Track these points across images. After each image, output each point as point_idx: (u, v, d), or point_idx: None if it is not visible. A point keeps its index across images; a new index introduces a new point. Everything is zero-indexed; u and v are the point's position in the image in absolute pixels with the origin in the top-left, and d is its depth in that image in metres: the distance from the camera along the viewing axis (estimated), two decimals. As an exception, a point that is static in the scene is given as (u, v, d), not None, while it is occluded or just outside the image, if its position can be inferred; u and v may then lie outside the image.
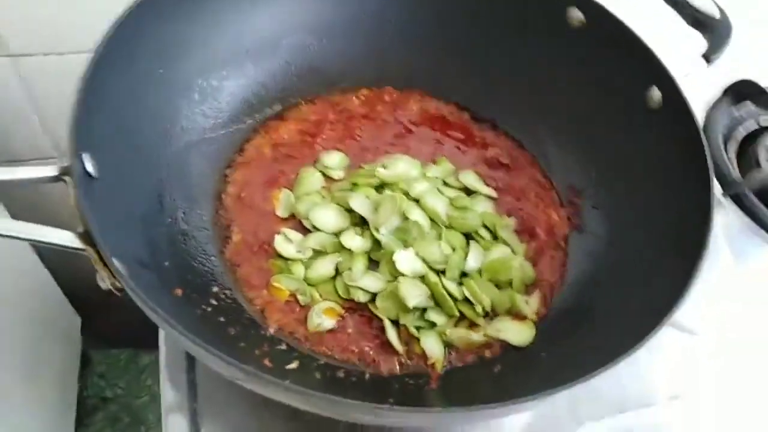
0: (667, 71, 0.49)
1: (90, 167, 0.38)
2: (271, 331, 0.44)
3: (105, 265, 0.35)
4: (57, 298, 0.99)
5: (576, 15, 0.54)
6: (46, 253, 0.92)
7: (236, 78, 0.55)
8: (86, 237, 0.35)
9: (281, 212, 0.51)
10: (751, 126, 0.66)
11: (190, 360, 0.48)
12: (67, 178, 0.37)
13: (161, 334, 0.49)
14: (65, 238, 0.35)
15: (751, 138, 0.65)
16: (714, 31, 0.52)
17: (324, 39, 0.59)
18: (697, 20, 0.53)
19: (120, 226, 0.40)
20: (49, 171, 0.37)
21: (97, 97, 0.40)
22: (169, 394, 0.47)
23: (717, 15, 0.54)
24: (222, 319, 0.43)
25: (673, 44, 0.52)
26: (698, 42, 0.53)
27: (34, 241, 0.35)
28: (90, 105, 0.39)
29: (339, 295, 0.47)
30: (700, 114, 0.60)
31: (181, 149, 0.50)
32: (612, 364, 0.34)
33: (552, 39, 0.55)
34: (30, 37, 0.68)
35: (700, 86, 0.57)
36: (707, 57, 0.51)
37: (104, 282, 0.36)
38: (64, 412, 0.99)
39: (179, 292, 0.42)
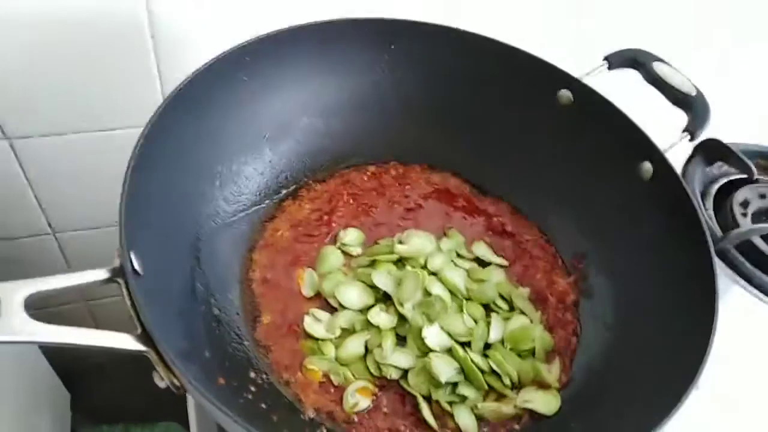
0: (657, 147, 0.53)
1: (136, 265, 0.39)
2: (310, 414, 0.45)
3: (165, 364, 0.35)
4: (47, 374, 0.96)
5: (565, 94, 0.59)
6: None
7: (253, 162, 0.57)
8: (145, 338, 0.36)
9: (306, 291, 0.52)
10: (722, 181, 0.72)
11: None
12: (118, 278, 0.38)
13: (192, 416, 0.50)
14: (123, 341, 0.36)
15: (723, 191, 0.70)
16: (694, 108, 0.57)
17: (330, 119, 0.61)
18: (677, 98, 0.58)
19: (165, 322, 0.41)
20: (102, 274, 0.38)
21: (136, 196, 0.41)
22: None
23: (693, 92, 0.59)
24: (263, 405, 0.44)
25: (659, 120, 0.57)
26: (680, 117, 0.58)
27: (92, 346, 0.36)
28: (132, 204, 0.41)
29: (371, 373, 0.48)
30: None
31: (207, 236, 0.51)
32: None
33: (546, 116, 0.59)
34: (27, 119, 0.69)
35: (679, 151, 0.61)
36: (691, 132, 0.56)
37: (162, 381, 0.36)
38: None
39: (222, 381, 0.43)
